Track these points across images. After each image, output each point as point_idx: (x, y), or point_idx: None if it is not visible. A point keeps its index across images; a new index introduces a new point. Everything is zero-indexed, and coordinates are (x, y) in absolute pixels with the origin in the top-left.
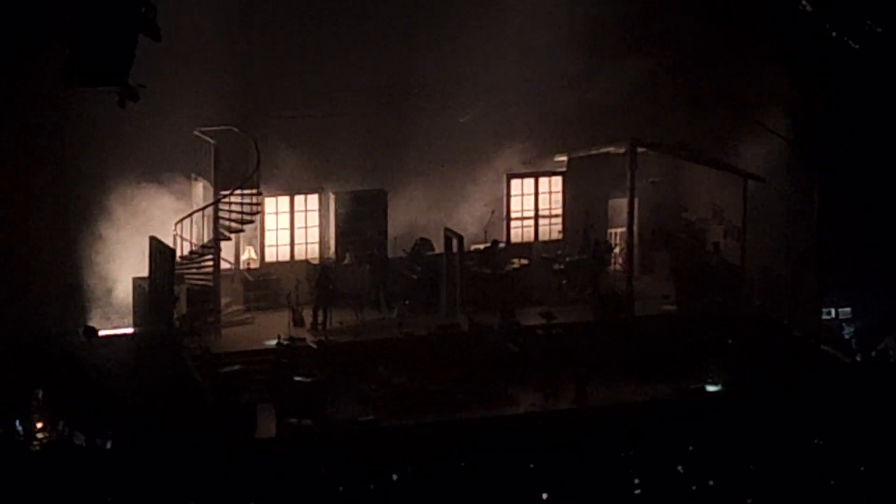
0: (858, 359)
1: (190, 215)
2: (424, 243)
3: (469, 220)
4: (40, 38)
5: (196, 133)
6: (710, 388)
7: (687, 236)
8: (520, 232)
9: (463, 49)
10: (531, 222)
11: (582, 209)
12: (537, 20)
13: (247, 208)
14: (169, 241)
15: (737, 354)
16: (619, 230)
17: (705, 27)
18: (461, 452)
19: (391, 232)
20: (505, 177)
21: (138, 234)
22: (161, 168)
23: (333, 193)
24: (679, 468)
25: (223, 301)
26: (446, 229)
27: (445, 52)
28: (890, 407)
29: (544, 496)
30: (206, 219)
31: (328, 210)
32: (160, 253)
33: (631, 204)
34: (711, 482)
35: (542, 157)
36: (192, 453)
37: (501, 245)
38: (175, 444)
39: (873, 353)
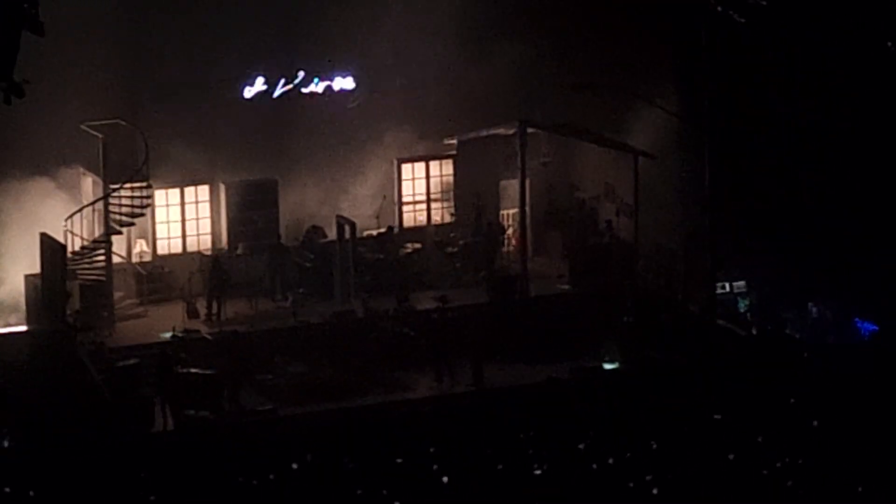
0: (754, 332)
1: (80, 210)
2: (316, 231)
3: (361, 206)
4: None
5: (83, 127)
6: (608, 367)
7: (579, 215)
8: (412, 216)
9: (346, 35)
10: (423, 206)
11: (473, 191)
12: (419, 3)
13: (137, 202)
14: (60, 237)
15: (633, 331)
16: (511, 211)
17: (590, 6)
18: (361, 439)
19: (283, 220)
20: (395, 161)
21: (28, 231)
22: (49, 164)
23: (224, 184)
24: (580, 446)
25: (116, 295)
26: (338, 216)
27: (328, 39)
28: (786, 379)
29: (444, 479)
30: (96, 213)
31: (219, 201)
32: (51, 249)
33: (522, 184)
34: (612, 460)
35: (431, 140)
36: (89, 449)
37: (396, 230)
38: (73, 440)
39: (769, 326)
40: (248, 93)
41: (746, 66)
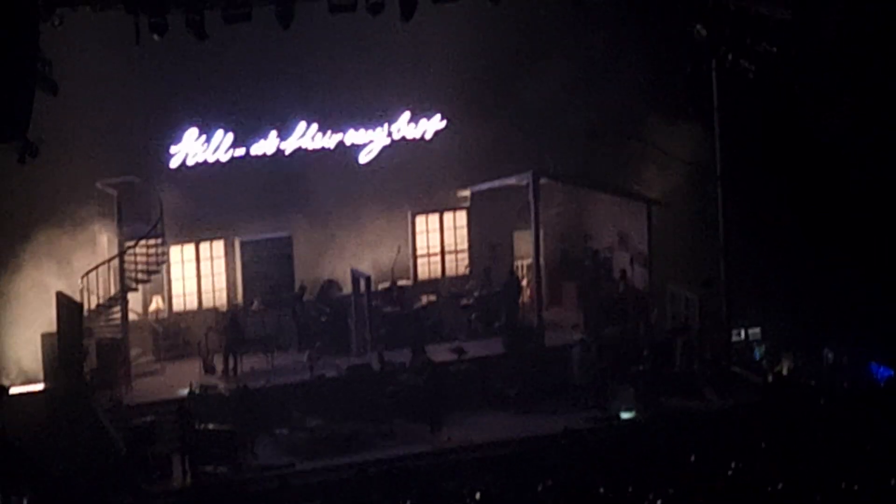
0: (770, 379)
1: (96, 268)
2: (332, 285)
3: (376, 259)
4: None
5: (98, 185)
6: (624, 416)
7: (593, 265)
8: (427, 269)
9: (357, 88)
10: (438, 258)
11: (487, 243)
12: (428, 53)
13: (152, 258)
14: (76, 296)
15: (649, 380)
16: (525, 262)
17: (599, 53)
18: (378, 492)
19: (298, 275)
20: (409, 214)
21: (44, 290)
22: (64, 222)
23: (238, 240)
24: (598, 495)
25: (133, 352)
26: (353, 270)
27: (340, 92)
28: (803, 424)
29: None
30: (112, 271)
31: (234, 257)
32: (67, 307)
33: (536, 235)
34: None
35: (445, 192)
36: None
37: (401, 283)
38: (90, 499)
39: (784, 372)
40: (259, 149)
41: (759, 112)
